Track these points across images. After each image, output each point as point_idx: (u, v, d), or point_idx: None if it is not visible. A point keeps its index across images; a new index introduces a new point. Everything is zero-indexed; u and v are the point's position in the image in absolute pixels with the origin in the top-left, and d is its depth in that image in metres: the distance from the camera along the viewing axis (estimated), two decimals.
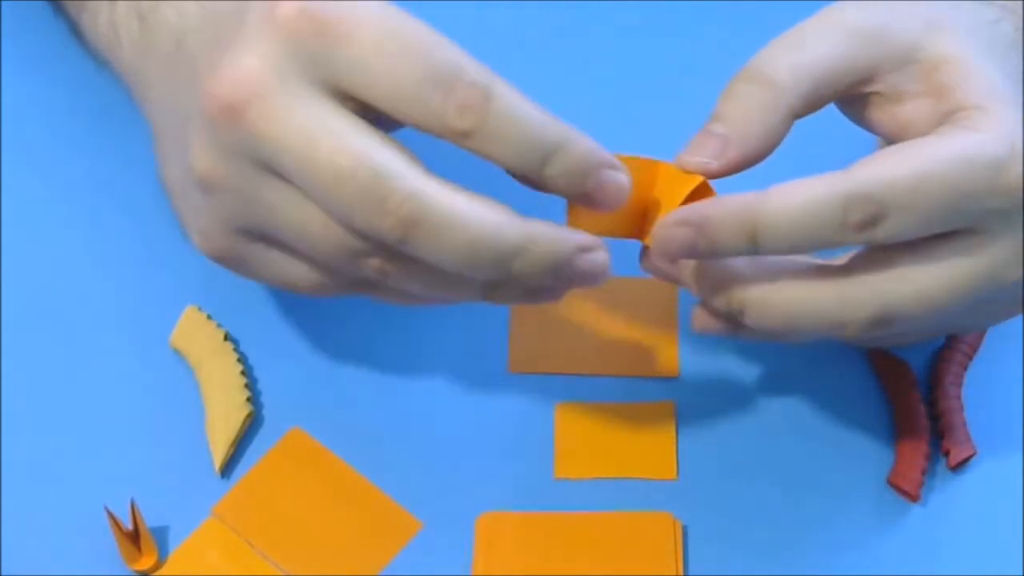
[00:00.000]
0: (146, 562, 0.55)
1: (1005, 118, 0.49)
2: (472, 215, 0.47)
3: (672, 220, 0.50)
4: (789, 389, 0.59)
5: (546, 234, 0.48)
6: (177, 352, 0.59)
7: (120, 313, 0.60)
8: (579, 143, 0.48)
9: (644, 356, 0.60)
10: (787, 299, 0.50)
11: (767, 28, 0.59)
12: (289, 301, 0.60)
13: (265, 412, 0.59)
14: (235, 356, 0.59)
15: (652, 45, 0.67)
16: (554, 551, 0.55)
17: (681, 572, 0.55)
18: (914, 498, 0.56)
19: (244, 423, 0.57)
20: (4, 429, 0.58)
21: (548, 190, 0.49)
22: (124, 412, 0.58)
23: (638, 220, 0.52)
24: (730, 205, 0.49)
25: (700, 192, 0.50)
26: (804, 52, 0.51)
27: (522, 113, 0.47)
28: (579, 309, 0.60)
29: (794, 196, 0.49)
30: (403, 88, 0.47)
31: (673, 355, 0.60)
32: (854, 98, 0.53)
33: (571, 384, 0.59)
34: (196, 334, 0.59)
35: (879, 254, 0.50)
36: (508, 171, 0.49)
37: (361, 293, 0.53)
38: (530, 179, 0.49)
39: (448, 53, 0.47)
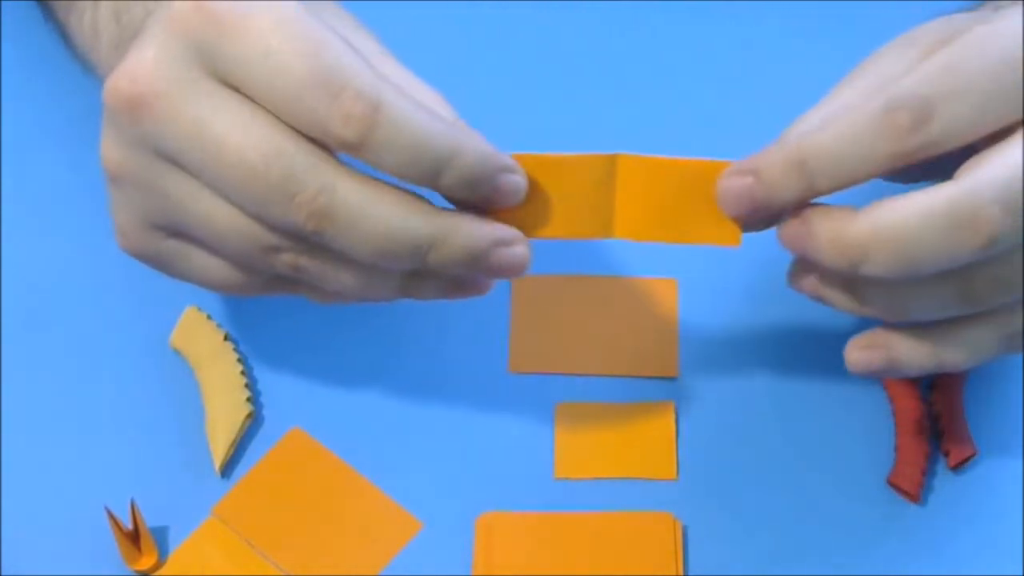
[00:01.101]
0: (146, 562, 0.55)
1: (1016, 8, 0.48)
2: (384, 207, 0.47)
3: (730, 170, 0.49)
4: (789, 389, 0.59)
5: (461, 227, 0.48)
6: (177, 352, 0.59)
7: (120, 313, 0.60)
8: (471, 150, 0.48)
9: (644, 356, 0.60)
10: (903, 220, 0.47)
11: (766, 29, 0.59)
12: (289, 301, 0.60)
13: (265, 412, 0.59)
14: (235, 356, 0.59)
15: (651, 45, 0.67)
16: (554, 551, 0.55)
17: (681, 572, 0.55)
18: (914, 498, 0.56)
19: (244, 423, 0.57)
20: (4, 429, 0.58)
21: (447, 198, 0.49)
22: (124, 412, 0.58)
23: (600, 219, 0.51)
24: (778, 145, 0.49)
25: None
26: (815, 118, 0.50)
27: (412, 123, 0.47)
28: (579, 309, 0.60)
29: (836, 120, 0.48)
30: (287, 90, 0.47)
31: (673, 355, 0.60)
32: None
33: (571, 384, 0.59)
34: (196, 334, 0.59)
35: (972, 162, 0.48)
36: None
37: (283, 291, 0.53)
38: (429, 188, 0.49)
39: (338, 58, 0.47)
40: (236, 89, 0.48)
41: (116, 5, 0.56)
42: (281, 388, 0.59)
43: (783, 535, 0.56)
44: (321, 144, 0.48)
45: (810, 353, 0.59)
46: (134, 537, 0.55)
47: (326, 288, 0.51)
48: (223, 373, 0.58)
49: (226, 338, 0.59)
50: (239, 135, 0.47)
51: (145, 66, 0.48)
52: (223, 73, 0.48)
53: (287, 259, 0.50)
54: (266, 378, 0.59)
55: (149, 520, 0.55)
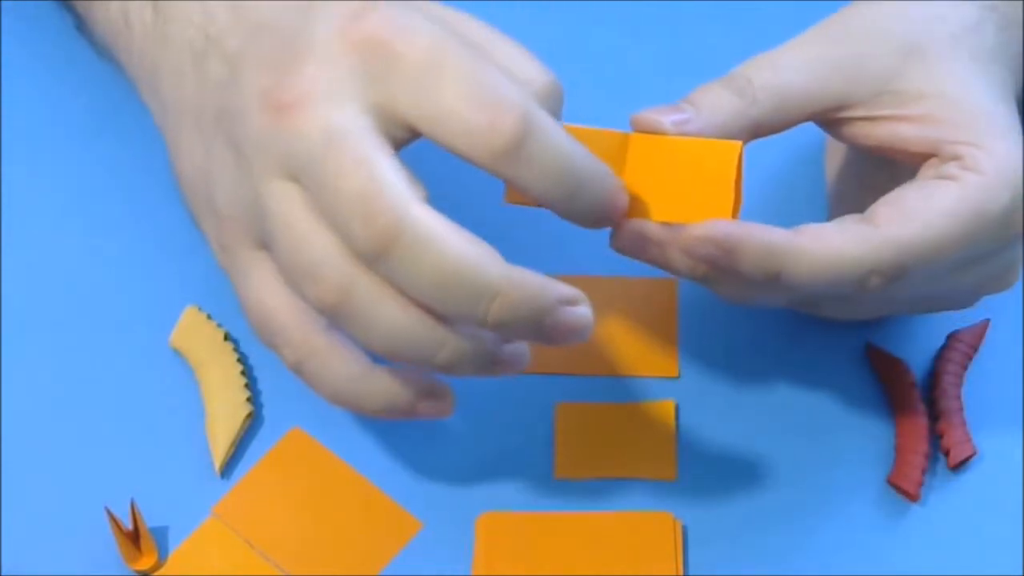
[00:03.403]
0: (146, 562, 0.55)
1: (1004, 155, 0.51)
2: (452, 243, 0.47)
3: (704, 234, 0.50)
4: (789, 389, 0.59)
5: (529, 279, 0.48)
6: (177, 352, 0.59)
7: (120, 313, 0.60)
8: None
9: (644, 356, 0.60)
10: (823, 252, 0.50)
11: (767, 31, 0.59)
12: None
13: (265, 412, 0.59)
14: (235, 356, 0.59)
15: (653, 47, 0.67)
16: (554, 551, 0.55)
17: (681, 572, 0.55)
18: (914, 498, 0.56)
19: (244, 423, 0.57)
20: (4, 429, 0.58)
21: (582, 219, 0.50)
22: (124, 412, 0.58)
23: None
24: (762, 240, 0.50)
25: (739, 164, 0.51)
26: (779, 75, 0.52)
27: (560, 138, 0.48)
28: None
29: (823, 252, 0.50)
30: (445, 109, 0.47)
31: (673, 355, 0.60)
32: (828, 121, 0.54)
33: (571, 384, 0.59)
34: (196, 334, 0.59)
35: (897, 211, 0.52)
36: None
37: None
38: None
39: (491, 75, 0.48)
40: (394, 118, 0.48)
41: None
42: (281, 388, 0.59)
43: (783, 535, 0.56)
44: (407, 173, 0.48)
45: (810, 353, 0.59)
46: (134, 537, 0.55)
47: (359, 331, 0.50)
48: (223, 373, 0.58)
49: (226, 338, 0.59)
50: (345, 143, 0.48)
51: (303, 80, 0.49)
52: (381, 99, 0.48)
53: (319, 292, 0.49)
54: (266, 378, 0.59)
55: (149, 520, 0.55)
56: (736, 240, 0.50)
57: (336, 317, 0.49)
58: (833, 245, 0.50)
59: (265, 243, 0.52)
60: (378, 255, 0.47)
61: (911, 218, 0.50)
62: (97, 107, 0.64)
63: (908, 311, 0.57)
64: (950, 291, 0.54)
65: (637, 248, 0.52)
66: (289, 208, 0.49)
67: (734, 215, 0.51)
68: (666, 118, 0.52)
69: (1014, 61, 0.54)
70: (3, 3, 0.67)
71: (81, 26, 0.63)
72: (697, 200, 0.51)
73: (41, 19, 0.66)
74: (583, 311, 0.49)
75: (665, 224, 0.51)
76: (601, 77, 0.66)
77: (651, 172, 0.51)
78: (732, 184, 0.50)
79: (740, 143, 0.50)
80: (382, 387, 0.52)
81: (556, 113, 0.51)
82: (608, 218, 0.50)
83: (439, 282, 0.47)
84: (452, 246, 0.47)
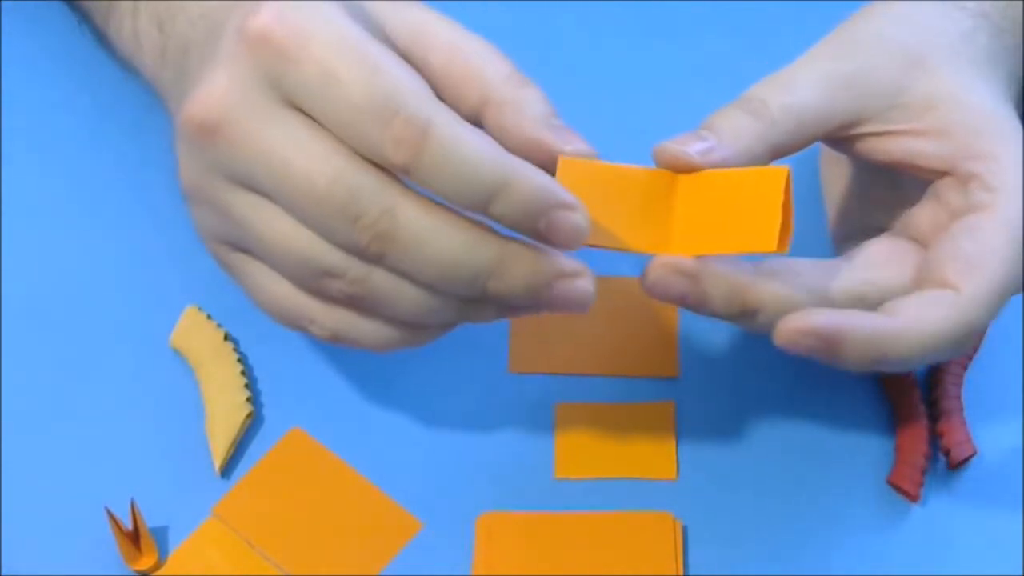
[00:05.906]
0: (146, 562, 0.55)
1: (1016, 162, 0.51)
2: (446, 233, 0.47)
3: (807, 327, 0.50)
4: (789, 389, 0.59)
5: (523, 257, 0.48)
6: (177, 352, 0.59)
7: (120, 313, 0.60)
8: (526, 182, 0.47)
9: (644, 356, 0.60)
10: (924, 333, 0.51)
11: (769, 33, 0.59)
12: None
13: (265, 412, 0.59)
14: (235, 356, 0.59)
15: (653, 48, 0.67)
16: (554, 551, 0.55)
17: (681, 572, 0.55)
18: (914, 498, 0.56)
19: (244, 423, 0.57)
20: (4, 429, 0.58)
21: (504, 226, 0.49)
22: (124, 412, 0.58)
23: (657, 233, 0.51)
24: (867, 331, 0.50)
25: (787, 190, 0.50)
26: (794, 94, 0.52)
27: (463, 150, 0.47)
28: None
29: (924, 332, 0.50)
30: (344, 115, 0.47)
31: (673, 355, 0.60)
32: (842, 138, 0.53)
33: (571, 384, 0.59)
34: (196, 334, 0.59)
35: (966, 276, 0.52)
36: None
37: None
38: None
39: (392, 82, 0.47)
40: (305, 112, 0.48)
41: (157, 13, 0.56)
42: (281, 388, 0.59)
43: (783, 535, 0.56)
44: (385, 167, 0.48)
45: None
46: (134, 537, 0.55)
47: (383, 313, 0.51)
48: (223, 373, 0.58)
49: (226, 338, 0.59)
50: (305, 159, 0.48)
51: (217, 94, 0.49)
52: (291, 97, 0.48)
53: (341, 286, 0.50)
54: (266, 378, 0.59)
55: (149, 520, 0.55)
56: (842, 333, 0.49)
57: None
58: (933, 323, 0.50)
59: (243, 249, 0.52)
60: (379, 256, 0.48)
61: (979, 269, 0.50)
62: (97, 107, 0.65)
63: None
64: None
65: (668, 284, 0.51)
66: (273, 230, 0.50)
67: (781, 243, 0.50)
68: (691, 148, 0.51)
69: (1007, 66, 0.54)
70: (3, 3, 0.67)
71: (101, 40, 0.63)
72: (743, 230, 0.50)
73: (42, 18, 0.66)
74: (584, 284, 0.49)
75: (697, 258, 0.50)
76: (602, 78, 0.66)
77: (695, 207, 0.51)
78: (779, 212, 0.49)
79: (787, 168, 0.49)
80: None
81: (536, 110, 0.50)
82: (548, 223, 0.48)
83: (440, 271, 0.48)
84: (447, 236, 0.48)
